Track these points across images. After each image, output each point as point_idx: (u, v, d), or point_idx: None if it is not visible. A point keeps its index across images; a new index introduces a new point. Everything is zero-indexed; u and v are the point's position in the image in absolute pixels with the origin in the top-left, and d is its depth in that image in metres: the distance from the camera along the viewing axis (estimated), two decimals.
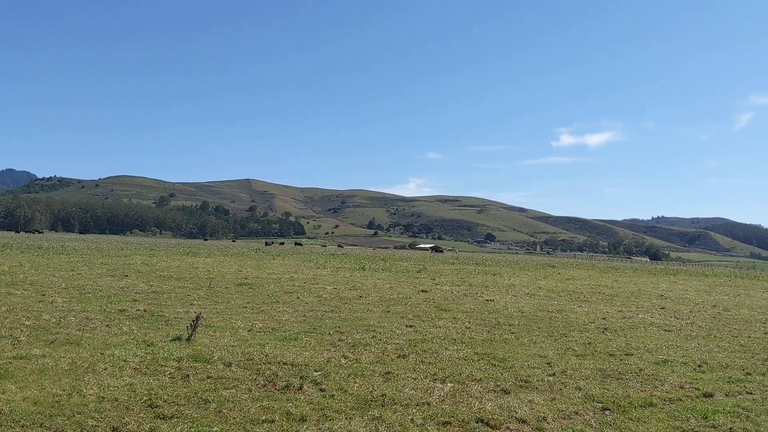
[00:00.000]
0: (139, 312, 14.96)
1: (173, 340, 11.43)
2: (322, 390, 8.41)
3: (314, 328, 13.63)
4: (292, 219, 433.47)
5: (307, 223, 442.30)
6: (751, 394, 9.27)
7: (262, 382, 8.69)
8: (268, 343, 11.49)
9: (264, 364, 9.80)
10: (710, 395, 9.04)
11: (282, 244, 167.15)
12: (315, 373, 9.35)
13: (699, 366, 11.24)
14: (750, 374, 10.72)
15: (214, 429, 6.75)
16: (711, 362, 11.68)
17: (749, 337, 15.54)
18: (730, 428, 7.41)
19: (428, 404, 7.89)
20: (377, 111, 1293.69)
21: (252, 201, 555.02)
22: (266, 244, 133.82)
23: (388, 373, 9.52)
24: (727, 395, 9.12)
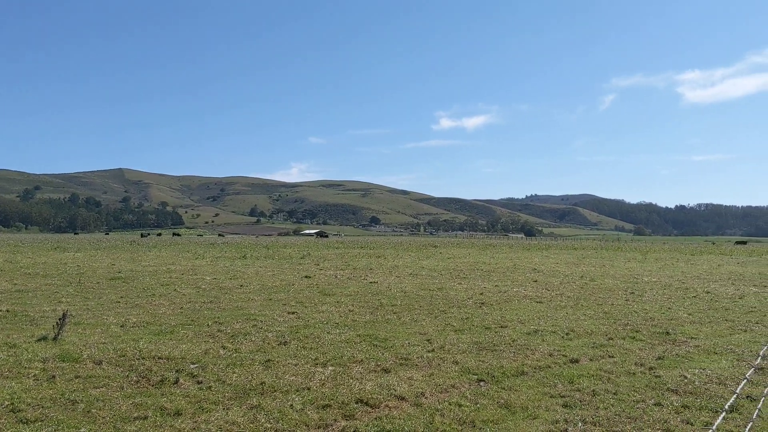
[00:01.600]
0: (1, 312, 13.93)
1: (38, 340, 10.72)
2: (199, 382, 8.17)
3: (192, 320, 13.23)
4: (169, 209, 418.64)
5: (186, 212, 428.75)
6: (612, 357, 9.91)
7: (135, 378, 8.32)
8: (142, 338, 11.03)
9: (137, 359, 9.39)
10: (576, 361, 9.58)
11: (159, 235, 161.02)
12: (192, 366, 9.07)
13: (567, 334, 11.88)
14: (612, 339, 11.46)
15: (82, 430, 6.39)
16: (578, 330, 12.39)
17: (612, 304, 16.63)
18: (593, 390, 7.88)
19: (308, 389, 7.85)
20: (255, 93, 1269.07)
21: (125, 191, 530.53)
22: (142, 235, 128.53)
23: (269, 361, 9.40)
24: (591, 360, 9.70)
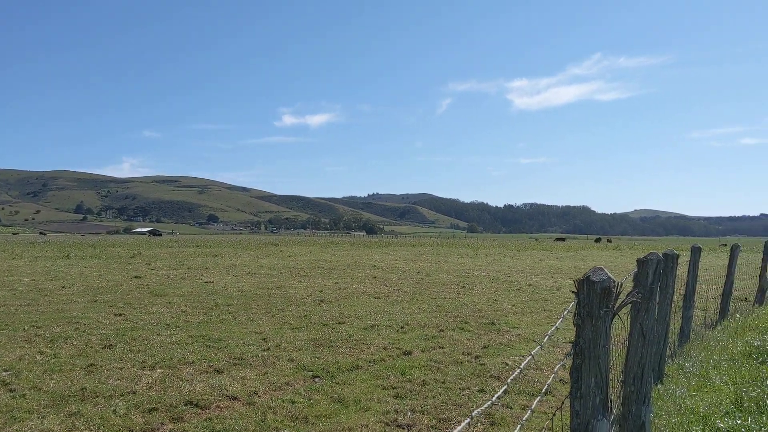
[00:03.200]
0: None
1: None
2: (11, 390, 7.48)
3: (6, 325, 12.10)
4: None
5: (2, 209, 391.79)
6: (442, 348, 10.33)
7: None
8: None
9: None
10: (409, 353, 9.88)
11: None
12: (4, 374, 8.29)
13: (401, 328, 12.22)
14: (443, 330, 11.95)
15: None
16: (412, 323, 12.79)
17: (445, 298, 17.36)
18: (423, 380, 8.16)
19: (134, 393, 7.44)
20: (79, 79, 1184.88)
21: None
22: None
23: (91, 365, 8.80)
24: (423, 351, 10.04)
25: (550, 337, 4.49)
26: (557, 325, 4.51)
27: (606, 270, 2.93)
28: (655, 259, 5.00)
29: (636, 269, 5.10)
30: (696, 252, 10.24)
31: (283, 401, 7.18)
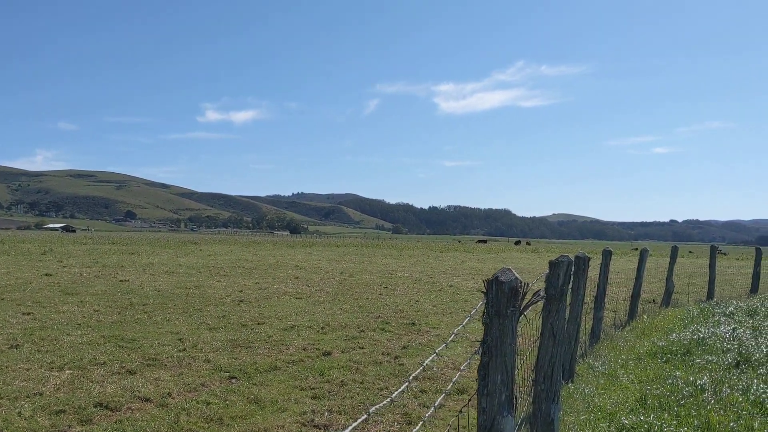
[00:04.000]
0: None
1: None
2: None
3: None
4: None
5: None
6: (362, 348, 10.37)
7: None
8: None
9: None
10: (329, 353, 9.87)
11: None
12: None
13: (322, 328, 12.19)
14: (364, 331, 12.00)
15: None
16: (333, 324, 12.78)
17: (367, 298, 17.43)
18: (342, 381, 8.17)
19: (41, 394, 7.14)
20: None
21: None
22: None
23: None
24: (343, 352, 10.05)
25: (456, 335, 4.59)
26: (463, 323, 4.63)
27: (514, 271, 3.02)
28: (566, 261, 5.19)
29: (548, 271, 5.28)
30: (607, 255, 10.68)
31: (198, 402, 7.05)
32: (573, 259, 5.33)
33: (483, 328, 3.18)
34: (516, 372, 3.17)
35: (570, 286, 5.42)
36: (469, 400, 4.14)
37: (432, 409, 4.31)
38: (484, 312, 3.04)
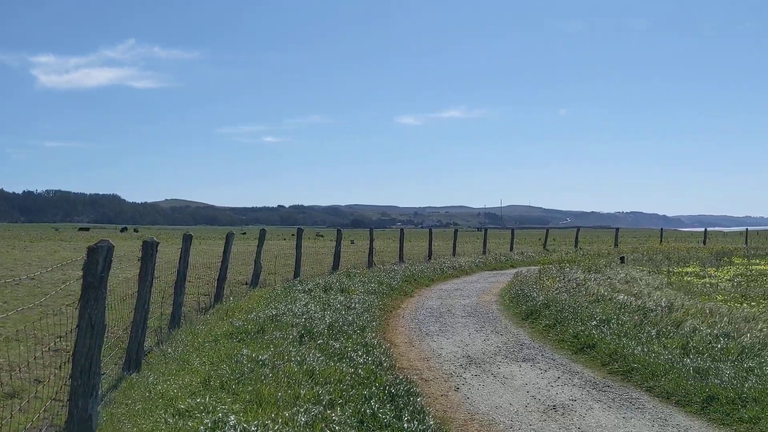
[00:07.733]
0: None
1: None
2: None
3: None
4: None
5: None
6: None
7: None
8: None
9: None
10: None
11: None
12: None
13: None
14: None
15: None
16: None
17: None
18: None
19: None
20: None
21: None
22: None
23: None
24: None
25: None
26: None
27: None
28: (106, 246, 4.91)
29: (86, 257, 4.93)
30: (187, 240, 10.69)
31: None
32: (113, 245, 5.07)
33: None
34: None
35: (109, 273, 5.12)
36: None
37: None
38: None
